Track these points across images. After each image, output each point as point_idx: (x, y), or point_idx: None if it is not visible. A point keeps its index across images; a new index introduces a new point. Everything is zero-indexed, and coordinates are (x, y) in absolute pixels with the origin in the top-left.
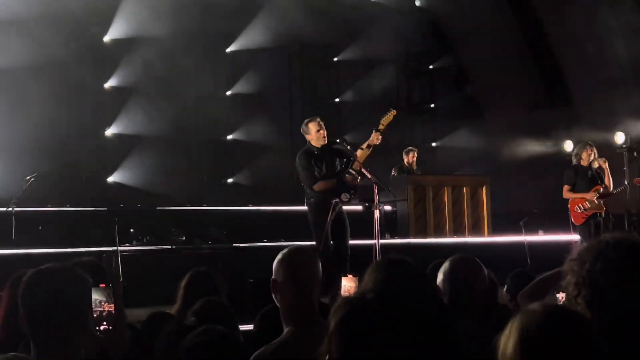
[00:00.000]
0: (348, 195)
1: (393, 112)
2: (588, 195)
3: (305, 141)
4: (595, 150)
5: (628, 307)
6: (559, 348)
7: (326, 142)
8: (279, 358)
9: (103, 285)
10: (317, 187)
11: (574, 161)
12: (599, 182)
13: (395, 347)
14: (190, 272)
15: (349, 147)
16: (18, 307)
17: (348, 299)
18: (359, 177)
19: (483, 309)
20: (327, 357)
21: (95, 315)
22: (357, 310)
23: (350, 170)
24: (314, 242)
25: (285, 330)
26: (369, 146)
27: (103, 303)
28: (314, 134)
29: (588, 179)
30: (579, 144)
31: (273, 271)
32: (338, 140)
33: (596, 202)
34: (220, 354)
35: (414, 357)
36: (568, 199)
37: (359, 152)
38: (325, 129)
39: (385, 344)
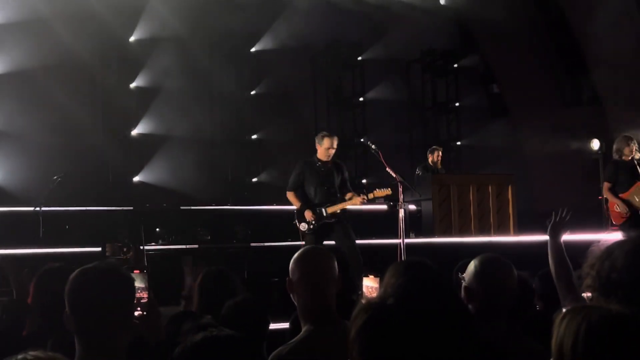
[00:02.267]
0: (305, 226)
1: (388, 191)
2: (625, 195)
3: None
4: (637, 144)
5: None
6: (623, 349)
7: (330, 161)
8: (296, 357)
9: (137, 271)
10: (288, 195)
11: (616, 156)
12: None
13: (418, 353)
14: (204, 271)
15: (373, 146)
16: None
17: (368, 305)
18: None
19: (516, 311)
20: None
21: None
22: (378, 316)
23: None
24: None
25: (303, 329)
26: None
27: (140, 290)
28: (324, 149)
29: (630, 174)
30: (618, 138)
31: (290, 271)
32: (362, 140)
33: (637, 200)
34: (219, 354)
35: None
36: (602, 198)
37: (337, 206)
38: (336, 148)
39: (408, 350)
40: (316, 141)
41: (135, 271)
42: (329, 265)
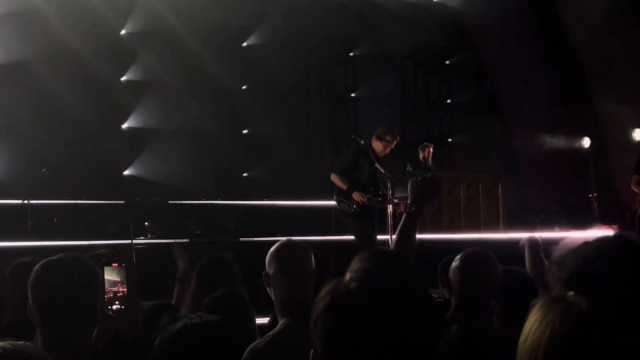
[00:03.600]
0: (352, 206)
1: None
2: None
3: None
4: None
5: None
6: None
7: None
8: (273, 350)
9: (116, 264)
10: (333, 177)
11: None
12: None
13: (376, 337)
14: (204, 258)
15: (362, 142)
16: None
17: (332, 288)
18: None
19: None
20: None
21: (109, 295)
22: (339, 300)
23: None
24: (329, 236)
25: (280, 322)
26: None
27: (118, 284)
28: (385, 145)
29: None
30: None
31: (266, 264)
32: (353, 136)
33: None
34: (201, 341)
35: (395, 349)
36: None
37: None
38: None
39: (367, 333)
40: (378, 133)
41: (113, 264)
42: (306, 259)
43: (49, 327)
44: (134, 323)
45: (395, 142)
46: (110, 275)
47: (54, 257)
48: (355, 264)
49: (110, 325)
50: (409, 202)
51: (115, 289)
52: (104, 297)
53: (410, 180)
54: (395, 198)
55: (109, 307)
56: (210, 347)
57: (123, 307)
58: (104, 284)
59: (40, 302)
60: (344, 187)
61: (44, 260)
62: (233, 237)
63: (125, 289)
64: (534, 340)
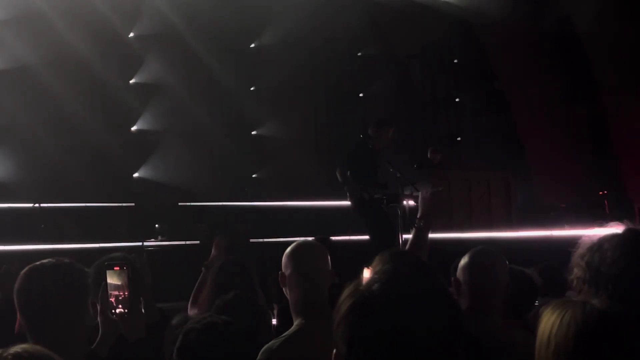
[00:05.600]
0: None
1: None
2: None
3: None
4: None
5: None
6: (618, 348)
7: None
8: (288, 350)
9: (117, 268)
10: (339, 172)
11: None
12: None
13: (401, 337)
14: (220, 263)
15: (370, 144)
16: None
17: (354, 289)
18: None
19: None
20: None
21: (112, 299)
22: (362, 301)
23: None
24: (339, 237)
25: (295, 323)
26: None
27: (120, 287)
28: (388, 138)
29: None
30: None
31: (283, 265)
32: (362, 136)
33: None
34: (214, 341)
35: (420, 348)
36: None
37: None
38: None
39: (392, 334)
40: (379, 127)
41: (115, 268)
42: (323, 258)
43: (35, 332)
44: (136, 326)
45: (391, 130)
46: (113, 278)
47: (37, 263)
48: (376, 266)
49: (113, 329)
50: (418, 216)
51: (117, 293)
52: (107, 302)
53: (420, 193)
54: (405, 195)
55: (112, 310)
56: (217, 347)
57: (126, 310)
58: (106, 287)
59: (25, 308)
60: (353, 184)
61: (29, 267)
62: (204, 241)
63: (127, 293)
64: (558, 340)
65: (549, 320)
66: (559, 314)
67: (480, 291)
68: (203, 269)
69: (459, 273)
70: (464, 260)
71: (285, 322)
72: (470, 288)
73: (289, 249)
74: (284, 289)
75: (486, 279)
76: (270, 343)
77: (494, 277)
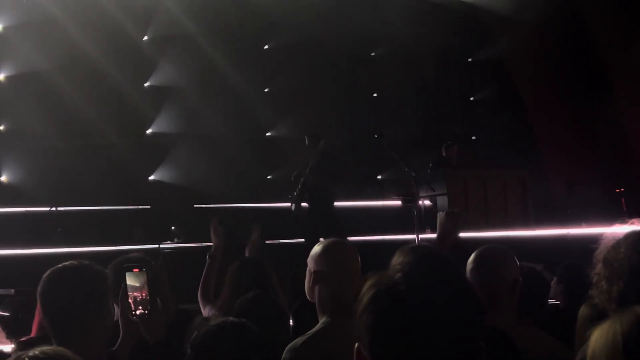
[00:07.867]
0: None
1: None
2: None
3: None
4: None
5: None
6: None
7: None
8: (312, 348)
9: (137, 270)
10: None
11: None
12: None
13: (424, 326)
14: (237, 263)
15: (385, 143)
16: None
17: (377, 280)
18: None
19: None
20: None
21: (131, 300)
22: (386, 289)
23: None
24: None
25: (321, 321)
26: None
27: (139, 289)
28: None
29: None
30: None
31: (314, 262)
32: (376, 136)
33: None
34: (230, 343)
35: (443, 337)
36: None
37: None
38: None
39: (415, 324)
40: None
41: (134, 270)
42: (355, 257)
43: (59, 334)
44: (156, 327)
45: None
46: (132, 280)
47: (59, 266)
48: (397, 258)
49: (134, 330)
50: (435, 236)
51: (136, 294)
52: (127, 303)
53: (438, 214)
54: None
55: (132, 312)
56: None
57: (146, 311)
58: (126, 289)
59: (48, 310)
60: None
61: (50, 269)
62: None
63: (146, 294)
64: (607, 349)
65: (595, 339)
66: (602, 330)
67: (486, 289)
68: (207, 259)
69: (467, 270)
70: (471, 257)
71: (300, 323)
72: (477, 286)
73: (321, 247)
74: (312, 287)
75: (491, 277)
76: (294, 341)
77: (500, 275)
